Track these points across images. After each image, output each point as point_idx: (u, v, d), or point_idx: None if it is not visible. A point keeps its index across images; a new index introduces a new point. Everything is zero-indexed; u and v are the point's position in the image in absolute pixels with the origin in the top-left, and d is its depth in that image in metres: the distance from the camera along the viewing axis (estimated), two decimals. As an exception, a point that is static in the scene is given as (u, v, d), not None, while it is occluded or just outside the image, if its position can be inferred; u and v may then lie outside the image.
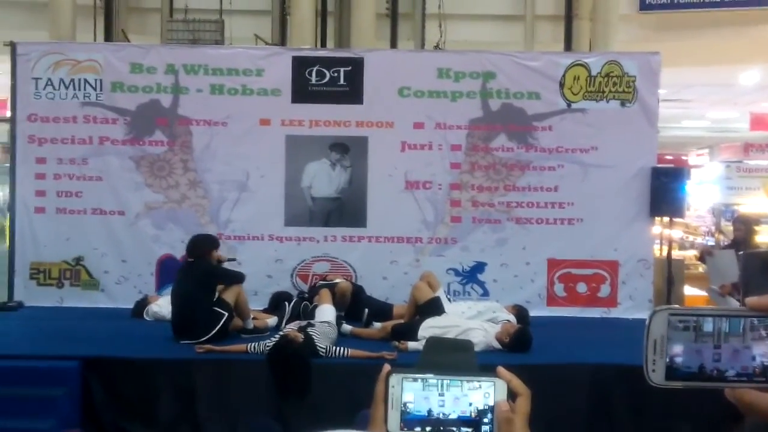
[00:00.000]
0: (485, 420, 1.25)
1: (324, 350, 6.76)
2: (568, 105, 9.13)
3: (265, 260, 9.10)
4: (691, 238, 14.98)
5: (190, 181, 9.19)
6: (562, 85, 9.12)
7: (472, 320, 7.62)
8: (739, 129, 21.30)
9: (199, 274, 7.46)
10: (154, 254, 9.13)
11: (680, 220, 11.04)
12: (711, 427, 6.35)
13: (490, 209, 9.20)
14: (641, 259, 9.18)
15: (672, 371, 1.22)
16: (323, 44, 11.76)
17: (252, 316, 7.83)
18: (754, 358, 1.22)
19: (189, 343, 7.07)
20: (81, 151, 9.11)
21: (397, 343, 7.13)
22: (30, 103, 9.10)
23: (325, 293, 7.93)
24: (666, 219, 9.62)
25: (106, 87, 9.09)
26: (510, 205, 9.19)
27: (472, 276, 9.21)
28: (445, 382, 1.26)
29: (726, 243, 9.83)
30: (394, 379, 1.26)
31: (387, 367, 1.28)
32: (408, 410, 1.25)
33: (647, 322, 1.23)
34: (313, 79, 9.12)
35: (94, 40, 11.29)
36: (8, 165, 9.33)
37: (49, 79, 9.08)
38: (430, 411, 1.26)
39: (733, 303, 8.36)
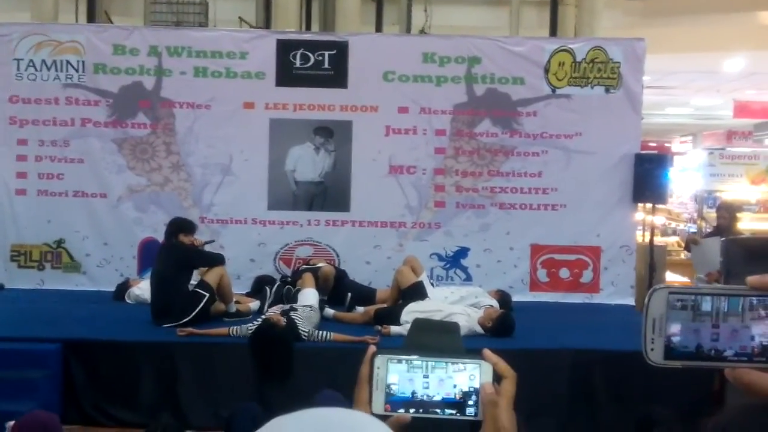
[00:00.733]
0: (470, 402, 1.25)
1: (306, 334, 6.76)
2: (553, 90, 9.13)
3: (248, 244, 9.08)
4: (673, 224, 15.05)
5: (172, 164, 9.14)
6: (547, 70, 9.12)
7: (455, 305, 7.63)
8: (722, 116, 21.36)
9: (174, 256, 7.44)
10: (136, 237, 9.10)
11: (663, 206, 11.08)
12: (692, 411, 6.39)
13: (474, 194, 9.20)
14: (624, 245, 9.21)
15: (670, 351, 1.22)
16: (308, 27, 11.71)
17: (234, 300, 7.81)
18: (752, 338, 1.21)
19: (169, 326, 7.04)
20: (63, 133, 9.05)
21: (379, 327, 7.14)
22: (11, 85, 9.01)
23: (308, 277, 7.92)
24: (649, 205, 9.65)
25: (89, 68, 9.02)
26: (494, 190, 9.19)
27: (455, 261, 9.22)
28: (429, 363, 1.26)
29: (708, 230, 9.87)
30: (379, 360, 1.26)
31: (372, 348, 1.28)
32: (392, 392, 1.25)
33: (646, 300, 1.22)
34: (298, 62, 9.07)
35: (76, 21, 11.19)
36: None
37: (31, 60, 9.00)
38: (414, 393, 1.25)
39: None
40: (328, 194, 9.25)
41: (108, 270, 9.06)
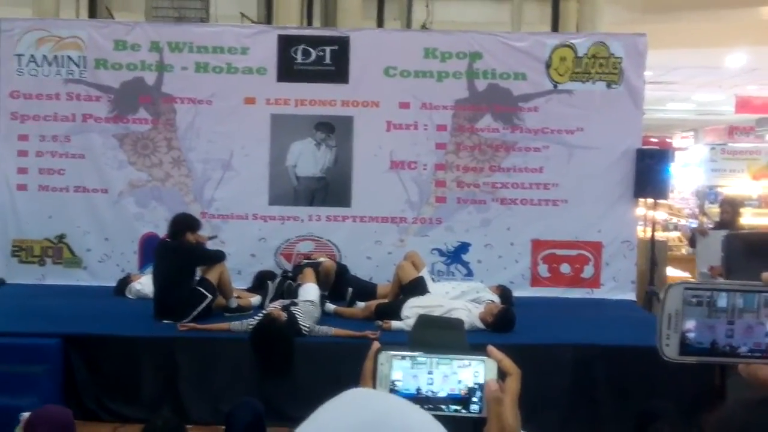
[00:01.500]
0: (474, 398, 1.25)
1: (307, 329, 6.76)
2: (555, 86, 9.12)
3: (249, 239, 9.07)
4: (674, 220, 15.04)
5: (173, 159, 9.13)
6: (548, 66, 9.10)
7: (456, 300, 7.64)
8: (724, 112, 21.34)
9: (177, 255, 7.41)
10: (137, 232, 9.09)
11: (664, 201, 11.07)
12: (694, 406, 6.39)
13: (475, 190, 9.20)
14: (625, 241, 9.20)
15: (685, 346, 1.22)
16: (309, 23, 11.70)
17: (235, 295, 7.82)
18: (767, 335, 1.21)
19: (170, 322, 7.05)
20: (64, 129, 9.04)
21: (380, 322, 7.14)
22: (13, 80, 9.00)
23: (309, 272, 7.92)
24: (650, 201, 9.64)
25: (90, 64, 9.01)
26: (495, 185, 9.18)
27: (456, 256, 9.22)
28: (434, 360, 1.26)
29: (710, 225, 9.86)
30: (383, 356, 1.25)
31: (376, 344, 1.27)
32: (397, 388, 1.24)
33: (662, 296, 1.22)
34: (299, 57, 9.06)
35: (77, 16, 11.18)
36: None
37: (32, 56, 8.99)
38: (419, 389, 1.25)
39: None
40: (329, 189, 9.24)
41: (109, 265, 9.06)
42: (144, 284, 8.20)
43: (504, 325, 6.95)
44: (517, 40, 9.34)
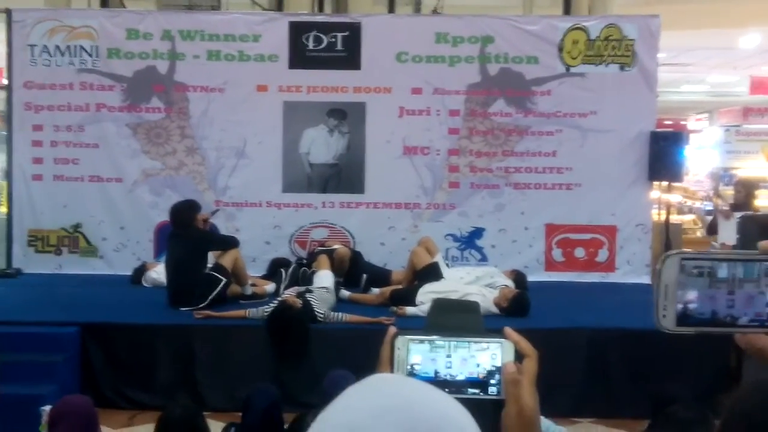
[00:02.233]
0: (492, 381, 1.25)
1: (322, 316, 6.78)
2: (567, 69, 9.08)
3: (263, 227, 9.09)
4: (689, 202, 14.97)
5: (187, 147, 9.16)
6: (560, 49, 9.07)
7: (471, 285, 7.64)
8: (738, 93, 21.20)
9: (188, 242, 7.44)
10: (152, 221, 9.12)
11: (679, 184, 11.01)
12: (709, 390, 6.38)
13: (489, 174, 9.18)
14: (639, 224, 9.18)
15: (684, 317, 1.22)
16: (320, 9, 11.68)
17: (250, 282, 7.84)
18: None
19: (187, 309, 7.08)
20: (78, 118, 9.07)
21: (395, 308, 7.15)
22: (26, 70, 9.05)
23: (323, 259, 7.93)
24: (664, 183, 9.59)
25: (102, 53, 9.04)
26: (508, 170, 9.16)
27: (470, 241, 9.22)
28: (452, 343, 1.26)
29: (725, 207, 9.81)
30: (400, 341, 1.26)
31: (392, 329, 1.28)
32: (415, 372, 1.25)
33: (658, 266, 1.22)
34: (311, 44, 9.06)
35: (89, 6, 11.20)
36: (5, 133, 9.29)
37: (45, 46, 9.02)
38: (437, 372, 1.26)
39: None
40: (343, 176, 9.25)
41: (125, 254, 9.11)
42: (160, 272, 8.23)
43: (519, 310, 6.95)
44: (529, 23, 9.30)
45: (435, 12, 11.19)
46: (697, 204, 14.83)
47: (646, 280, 9.04)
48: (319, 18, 9.95)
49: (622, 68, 9.08)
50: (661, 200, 9.86)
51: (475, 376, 1.26)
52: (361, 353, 6.35)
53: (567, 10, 11.63)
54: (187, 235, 7.47)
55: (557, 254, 9.21)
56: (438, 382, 1.24)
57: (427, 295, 7.22)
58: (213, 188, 9.14)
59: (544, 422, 2.49)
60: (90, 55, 9.04)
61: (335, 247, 8.56)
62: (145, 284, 8.44)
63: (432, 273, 7.81)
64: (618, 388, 6.69)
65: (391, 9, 11.69)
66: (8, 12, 9.08)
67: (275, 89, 9.09)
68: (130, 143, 9.13)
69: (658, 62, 9.28)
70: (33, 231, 9.15)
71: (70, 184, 9.08)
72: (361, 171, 9.21)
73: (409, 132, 9.14)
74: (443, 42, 9.09)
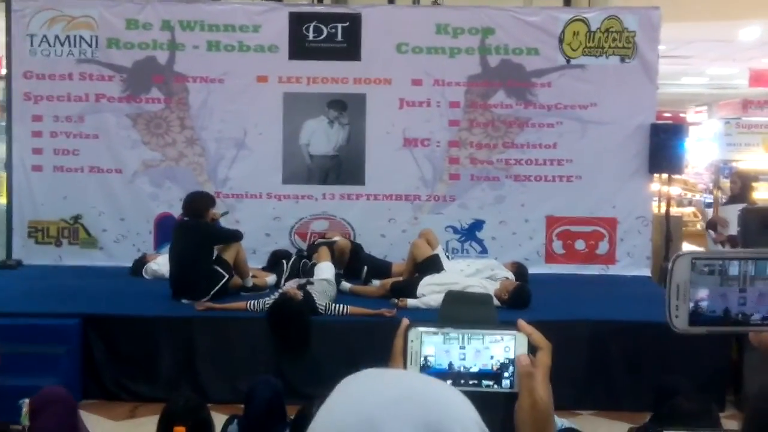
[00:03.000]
0: (506, 373, 1.25)
1: (323, 307, 6.78)
2: (568, 61, 9.07)
3: (264, 218, 9.08)
4: (689, 195, 14.96)
5: (187, 138, 9.14)
6: (561, 40, 9.05)
7: (471, 278, 7.64)
8: (738, 85, 21.17)
9: (196, 234, 7.43)
10: (152, 212, 9.11)
11: (679, 177, 11.01)
12: (710, 381, 6.40)
13: (489, 166, 9.18)
14: (639, 216, 9.18)
15: (696, 316, 1.22)
16: (320, 0, 11.63)
17: (251, 275, 7.84)
18: None
19: (188, 302, 7.08)
20: (77, 109, 9.05)
21: (396, 300, 7.16)
22: (25, 60, 9.02)
23: (324, 251, 7.93)
24: (665, 176, 9.59)
25: (102, 43, 9.01)
26: (508, 162, 9.16)
27: (470, 233, 9.21)
28: (466, 335, 1.26)
29: (724, 200, 9.81)
30: (413, 333, 1.25)
31: (405, 321, 1.27)
32: (429, 364, 1.25)
33: (670, 266, 1.22)
34: (311, 35, 9.04)
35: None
36: (4, 123, 9.27)
37: (45, 36, 8.99)
38: (451, 364, 1.25)
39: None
40: (343, 168, 9.24)
41: (125, 245, 9.09)
42: (160, 264, 8.23)
43: (519, 302, 6.95)
44: (529, 14, 9.29)
45: (435, 3, 11.13)
46: (697, 196, 14.83)
47: (646, 272, 9.06)
48: (319, 8, 9.93)
49: (622, 60, 9.07)
50: (661, 192, 9.86)
51: (488, 368, 1.26)
52: (362, 345, 6.38)
53: (567, 1, 11.59)
54: (196, 226, 7.46)
55: (557, 246, 9.21)
56: (452, 374, 1.25)
57: (427, 287, 7.23)
58: (213, 179, 9.12)
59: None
60: (89, 45, 9.01)
61: (336, 238, 8.56)
62: (145, 276, 8.42)
63: (432, 265, 7.81)
64: (619, 380, 6.71)
65: (392, 0, 11.65)
66: (8, 1, 9.04)
67: (275, 80, 9.07)
68: (130, 134, 9.10)
69: (658, 54, 9.27)
70: (33, 222, 9.13)
71: (70, 175, 9.05)
72: (361, 162, 9.20)
73: (410, 123, 9.13)
74: (443, 33, 9.08)
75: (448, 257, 8.39)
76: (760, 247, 1.26)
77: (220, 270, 7.34)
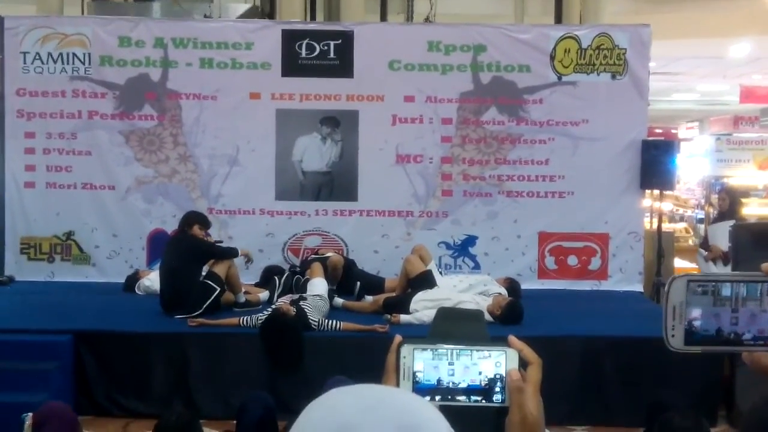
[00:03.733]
0: (496, 389, 1.26)
1: (316, 323, 6.78)
2: (559, 78, 9.12)
3: (257, 234, 9.08)
4: (681, 210, 15.03)
5: (180, 155, 9.15)
6: (552, 57, 9.10)
7: (464, 293, 7.65)
8: (729, 102, 21.34)
9: (185, 248, 7.45)
10: (145, 229, 9.12)
11: (670, 192, 11.06)
12: (703, 397, 6.41)
13: (481, 183, 9.20)
14: (631, 232, 9.20)
15: (690, 335, 1.24)
16: (312, 17, 11.70)
17: (244, 290, 7.84)
18: None
19: (181, 317, 7.08)
20: (70, 126, 9.06)
21: (389, 316, 7.16)
22: (18, 78, 9.03)
23: (317, 267, 7.93)
24: (656, 192, 9.63)
25: (95, 61, 9.03)
26: (501, 178, 9.19)
27: (463, 249, 9.23)
28: (455, 351, 1.27)
29: (715, 216, 9.85)
30: (406, 349, 1.27)
31: (399, 337, 1.29)
32: (418, 379, 1.26)
33: (666, 288, 1.25)
34: (303, 52, 9.07)
35: (82, 13, 11.19)
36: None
37: (38, 53, 9.01)
38: (439, 380, 1.26)
39: (713, 269, 8.49)
40: (336, 184, 9.26)
41: (117, 261, 9.09)
42: (153, 280, 8.22)
43: (512, 318, 6.96)
44: (521, 32, 9.34)
45: (427, 20, 11.22)
46: (689, 212, 14.89)
47: (638, 288, 9.09)
48: (312, 26, 9.98)
49: (613, 77, 9.12)
50: (653, 208, 9.90)
51: (477, 383, 1.26)
52: (355, 361, 6.37)
53: (558, 19, 11.70)
54: (184, 241, 7.47)
55: (550, 262, 9.23)
56: (440, 389, 1.25)
57: (420, 303, 7.23)
58: (206, 196, 9.13)
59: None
60: (82, 63, 9.03)
61: (329, 254, 8.56)
62: (138, 292, 8.42)
63: (425, 281, 7.82)
64: (612, 395, 6.71)
65: (384, 17, 11.74)
66: (1, 19, 9.07)
67: (268, 97, 9.10)
68: (123, 151, 9.12)
69: (649, 71, 9.33)
70: (25, 238, 9.12)
71: (63, 191, 9.06)
72: (354, 179, 9.22)
73: (402, 140, 9.16)
74: (435, 50, 9.12)
75: (441, 273, 8.40)
76: (753, 263, 1.29)
77: (211, 284, 7.34)
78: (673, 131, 20.98)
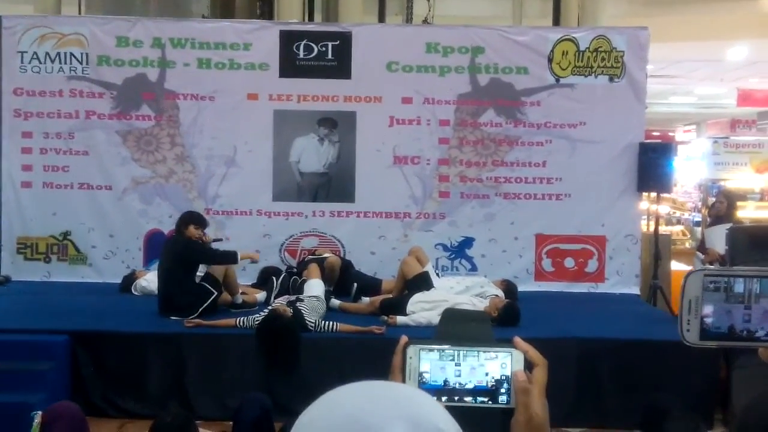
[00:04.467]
0: (502, 390, 1.26)
1: (313, 325, 6.78)
2: (557, 80, 9.12)
3: (254, 235, 9.07)
4: (678, 213, 15.03)
5: (177, 155, 9.15)
6: (550, 60, 9.11)
7: (461, 295, 7.65)
8: (726, 105, 21.33)
9: (178, 250, 7.45)
10: (142, 229, 9.11)
11: (667, 195, 11.05)
12: (698, 400, 6.41)
13: (479, 184, 9.20)
14: (628, 235, 9.21)
15: (704, 331, 1.24)
16: (311, 18, 11.69)
17: (240, 291, 7.83)
18: None
19: (177, 318, 7.07)
20: (67, 126, 9.05)
21: (385, 317, 7.16)
22: (16, 77, 9.02)
23: (314, 268, 7.93)
24: (653, 194, 9.63)
25: (92, 61, 9.02)
26: (498, 180, 9.19)
27: (460, 251, 9.23)
28: (461, 352, 1.27)
29: (710, 219, 9.85)
30: (412, 350, 1.27)
31: (404, 338, 1.29)
32: (424, 380, 1.26)
33: (683, 282, 1.24)
34: (301, 53, 9.07)
35: (80, 13, 11.18)
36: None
37: (35, 53, 9.00)
38: (446, 381, 1.26)
39: None
40: (333, 185, 9.26)
41: (114, 262, 9.08)
42: (149, 281, 8.22)
43: (509, 320, 6.96)
44: (518, 34, 9.34)
45: (425, 22, 11.21)
46: (686, 215, 14.89)
47: (635, 290, 9.09)
48: (310, 27, 9.97)
49: (611, 79, 9.13)
50: (650, 211, 9.90)
51: (483, 384, 1.27)
52: (351, 362, 6.37)
53: (556, 21, 11.69)
54: (178, 243, 7.48)
55: (547, 264, 9.23)
56: (446, 390, 1.26)
57: (417, 304, 7.23)
58: (203, 196, 9.12)
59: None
60: (80, 63, 9.03)
61: (326, 256, 8.56)
62: (134, 292, 8.41)
63: (422, 282, 7.82)
64: (608, 398, 6.72)
65: (382, 18, 11.72)
66: (-2, 18, 9.06)
67: (265, 98, 9.10)
68: (120, 151, 9.11)
69: (646, 74, 9.33)
70: (22, 238, 9.11)
71: (60, 191, 9.05)
72: (351, 180, 9.21)
73: (400, 141, 9.16)
74: (433, 52, 9.12)
75: (437, 275, 8.40)
76: (749, 265, 1.29)
77: (209, 287, 7.34)
78: (671, 134, 21.02)
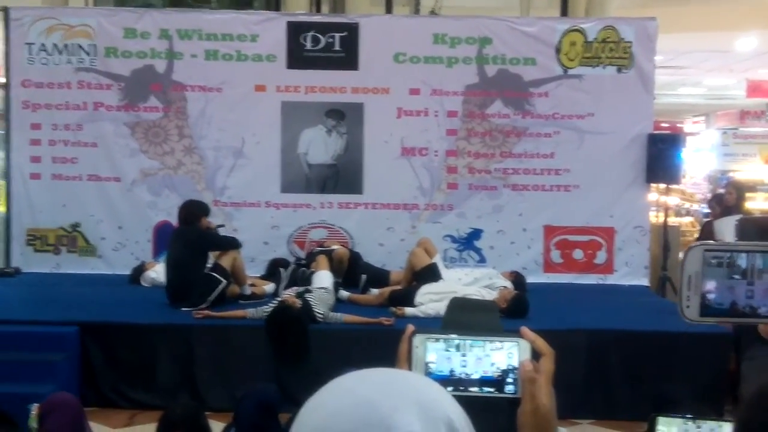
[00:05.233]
0: (508, 380, 1.26)
1: (321, 316, 6.79)
2: (565, 71, 9.09)
3: (262, 227, 9.09)
4: (687, 205, 15.00)
5: (185, 147, 9.15)
6: (558, 50, 9.08)
7: (469, 287, 7.65)
8: (735, 96, 21.22)
9: (190, 240, 7.46)
10: (151, 221, 9.12)
11: (676, 186, 11.03)
12: (708, 394, 6.40)
13: (487, 176, 9.19)
14: (637, 226, 9.19)
15: (705, 308, 1.23)
16: (318, 9, 11.67)
17: (249, 283, 7.85)
18: None
19: (187, 309, 7.09)
20: (75, 117, 9.07)
21: (394, 308, 7.16)
22: (24, 69, 9.04)
23: (322, 259, 7.94)
24: (662, 186, 9.61)
25: (100, 52, 9.03)
26: (506, 171, 9.17)
27: (468, 242, 9.22)
28: (467, 342, 1.26)
29: (717, 211, 9.82)
30: (418, 339, 1.26)
31: (411, 327, 1.28)
32: (430, 370, 1.25)
33: (682, 257, 1.24)
34: (308, 44, 9.06)
35: (87, 4, 11.19)
36: (3, 131, 9.28)
37: (43, 45, 9.01)
38: (452, 371, 1.26)
39: None
40: (341, 177, 9.26)
41: (123, 253, 9.10)
42: (159, 272, 8.23)
43: (518, 311, 6.94)
44: (526, 25, 9.31)
45: (433, 13, 11.19)
46: (695, 206, 14.86)
47: (644, 282, 9.08)
48: (317, 18, 9.95)
49: (619, 70, 9.10)
50: (659, 202, 9.88)
51: (489, 374, 1.26)
52: (360, 353, 6.37)
53: (564, 11, 11.64)
54: (189, 233, 7.48)
55: (555, 256, 9.22)
56: (453, 380, 1.25)
57: (425, 296, 7.23)
58: (211, 188, 9.13)
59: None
60: (87, 54, 9.03)
61: (334, 247, 8.57)
62: (144, 284, 8.43)
63: (430, 274, 7.82)
64: (617, 389, 6.70)
65: (389, 9, 11.67)
66: (6, 10, 9.06)
67: (273, 89, 9.09)
68: (128, 142, 9.12)
69: (655, 64, 9.30)
70: (31, 230, 9.14)
71: (69, 183, 9.07)
72: (359, 171, 9.21)
73: (407, 133, 9.15)
74: (441, 43, 9.10)
75: (446, 266, 8.39)
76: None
77: (217, 276, 7.35)
78: (679, 125, 20.93)
